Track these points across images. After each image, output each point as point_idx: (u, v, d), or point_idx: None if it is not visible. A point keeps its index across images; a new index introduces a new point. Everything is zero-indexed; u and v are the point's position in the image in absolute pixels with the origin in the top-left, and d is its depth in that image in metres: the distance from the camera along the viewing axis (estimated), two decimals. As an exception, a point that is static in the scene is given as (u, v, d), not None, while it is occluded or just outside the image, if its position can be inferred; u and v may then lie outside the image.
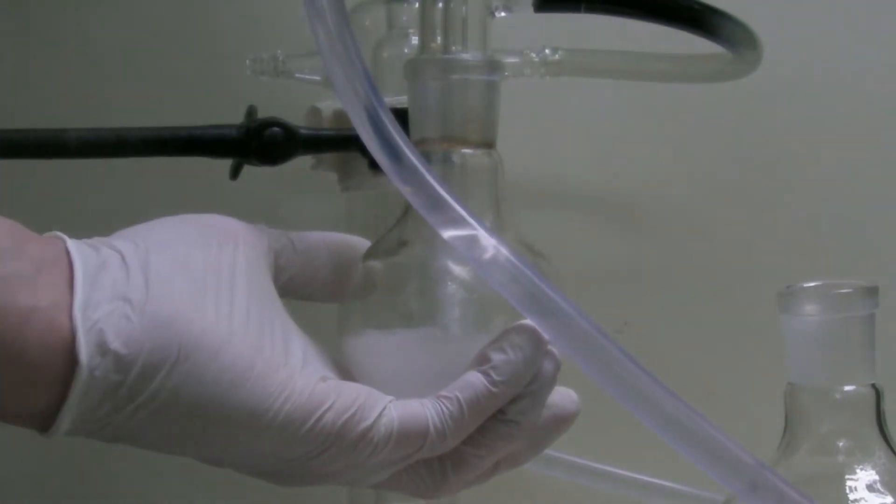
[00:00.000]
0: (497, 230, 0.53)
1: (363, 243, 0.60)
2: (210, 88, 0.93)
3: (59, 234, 0.51)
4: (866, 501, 0.55)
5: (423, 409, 0.53)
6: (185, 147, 0.71)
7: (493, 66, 0.58)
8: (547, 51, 0.81)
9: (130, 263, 0.49)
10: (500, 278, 0.51)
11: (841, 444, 0.56)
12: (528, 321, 0.53)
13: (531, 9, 0.68)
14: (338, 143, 0.73)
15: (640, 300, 0.92)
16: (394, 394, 0.54)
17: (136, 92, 0.94)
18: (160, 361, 0.48)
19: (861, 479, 0.55)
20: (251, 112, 0.72)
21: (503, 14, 0.63)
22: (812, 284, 0.56)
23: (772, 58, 0.78)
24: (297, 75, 0.81)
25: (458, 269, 0.55)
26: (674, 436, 0.51)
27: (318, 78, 0.81)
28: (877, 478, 0.55)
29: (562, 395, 0.57)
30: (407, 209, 0.58)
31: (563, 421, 0.58)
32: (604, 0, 0.71)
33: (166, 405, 0.49)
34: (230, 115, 0.73)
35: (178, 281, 0.50)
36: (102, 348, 0.47)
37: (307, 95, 0.78)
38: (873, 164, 0.91)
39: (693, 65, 0.80)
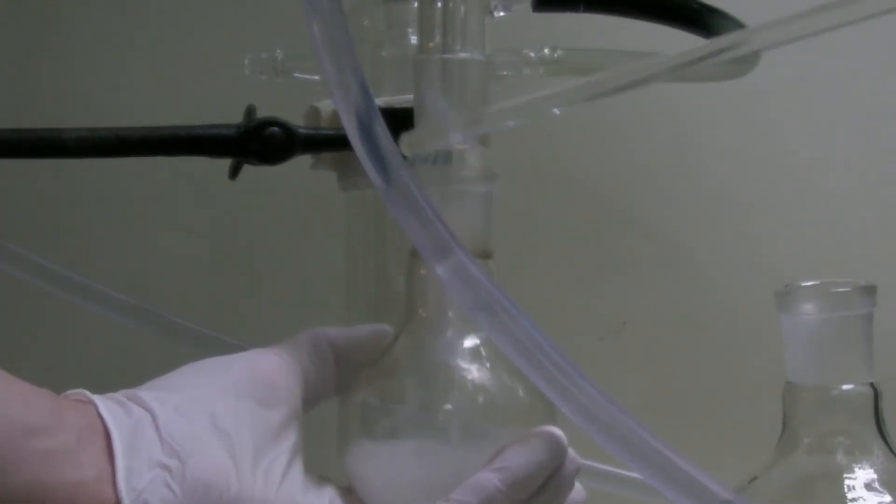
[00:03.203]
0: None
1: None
2: (209, 88, 0.93)
3: (85, 392, 0.51)
4: (864, 500, 0.55)
5: None
6: (183, 147, 0.71)
7: (489, 177, 0.57)
8: (546, 50, 0.80)
9: (162, 426, 0.50)
10: (471, 297, 0.50)
11: (839, 442, 0.56)
12: (551, 428, 0.53)
13: (530, 8, 0.68)
14: (337, 142, 0.73)
15: (638, 300, 0.92)
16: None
17: (134, 91, 0.94)
18: None
19: (859, 478, 0.55)
20: (250, 112, 0.72)
21: (502, 13, 0.63)
22: (810, 284, 0.57)
23: (771, 57, 0.78)
24: (295, 75, 0.81)
25: (456, 370, 0.55)
26: (644, 469, 0.49)
27: (316, 77, 0.81)
28: (875, 476, 0.55)
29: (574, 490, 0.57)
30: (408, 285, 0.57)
31: None
32: (603, 0, 0.71)
33: None
34: (229, 115, 0.72)
35: (210, 442, 0.50)
36: None
37: (306, 95, 0.78)
38: (872, 163, 0.91)
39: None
